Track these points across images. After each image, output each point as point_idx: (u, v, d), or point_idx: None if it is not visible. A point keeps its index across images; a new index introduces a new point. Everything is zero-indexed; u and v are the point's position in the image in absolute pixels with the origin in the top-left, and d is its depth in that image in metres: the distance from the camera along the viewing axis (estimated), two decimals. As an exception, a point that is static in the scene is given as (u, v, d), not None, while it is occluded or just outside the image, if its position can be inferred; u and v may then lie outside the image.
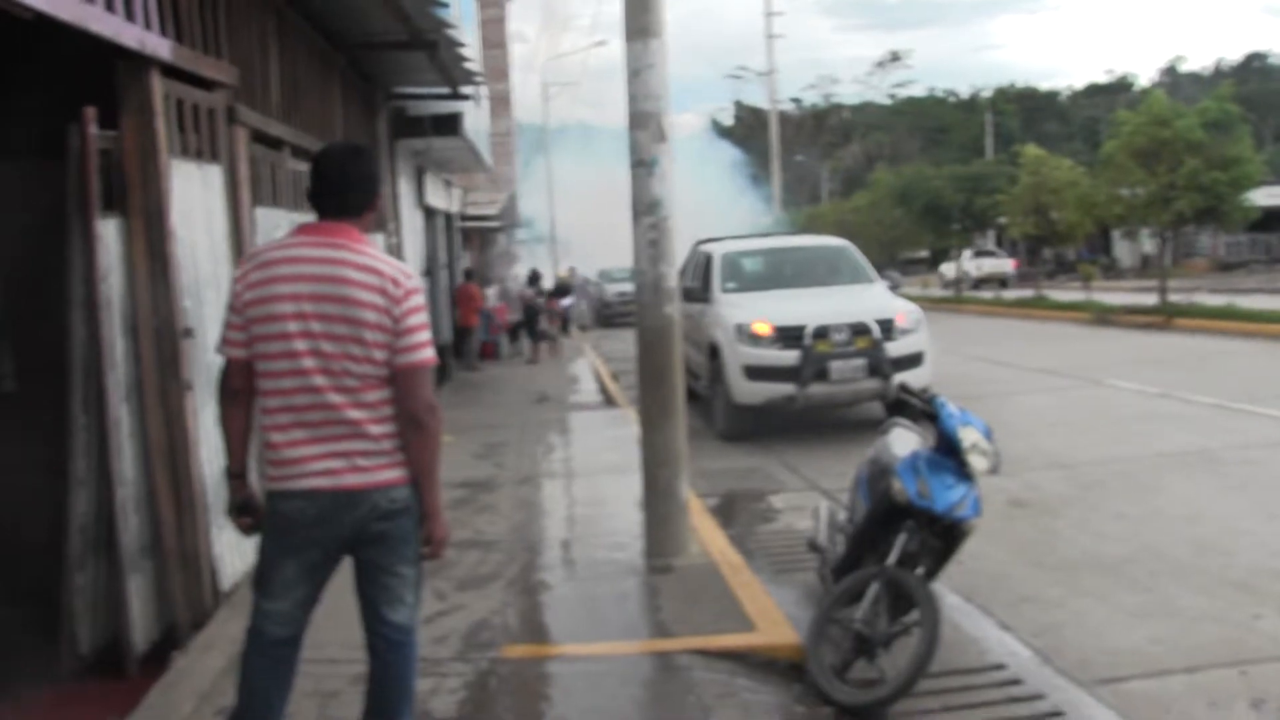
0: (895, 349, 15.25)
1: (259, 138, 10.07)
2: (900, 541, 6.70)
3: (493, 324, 32.07)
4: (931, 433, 6.97)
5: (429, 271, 23.55)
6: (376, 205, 4.99)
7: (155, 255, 7.40)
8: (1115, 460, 12.67)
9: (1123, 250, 62.61)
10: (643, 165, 8.76)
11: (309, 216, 4.96)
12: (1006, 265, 60.83)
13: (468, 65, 16.37)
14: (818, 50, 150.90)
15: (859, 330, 15.23)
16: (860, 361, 15.10)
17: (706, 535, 9.83)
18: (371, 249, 4.80)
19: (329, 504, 4.70)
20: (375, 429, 4.71)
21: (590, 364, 28.58)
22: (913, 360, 15.40)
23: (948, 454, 6.77)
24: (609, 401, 20.45)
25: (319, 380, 4.65)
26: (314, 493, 4.69)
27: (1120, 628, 7.59)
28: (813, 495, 11.86)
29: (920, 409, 7.02)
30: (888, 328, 15.36)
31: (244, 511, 5.01)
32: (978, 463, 6.67)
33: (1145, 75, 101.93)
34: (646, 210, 8.79)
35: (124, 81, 7.22)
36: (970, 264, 55.96)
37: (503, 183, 43.33)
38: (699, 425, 16.04)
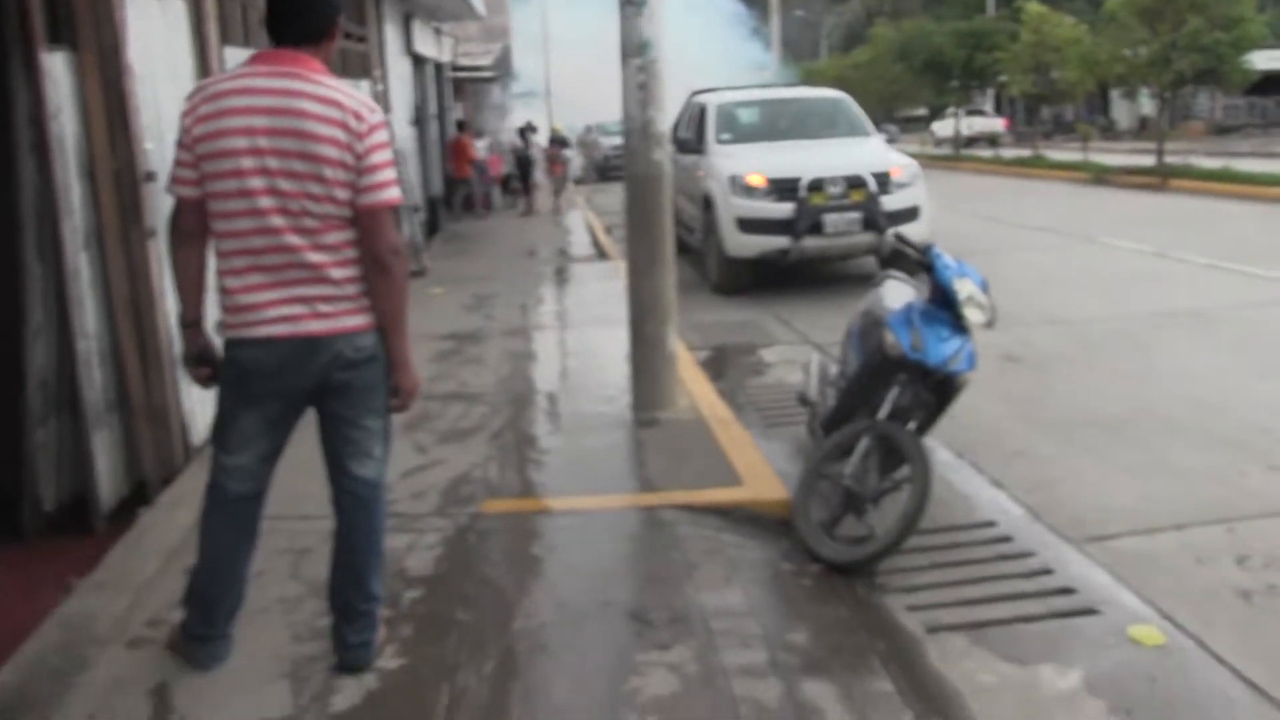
0: (891, 203, 14.97)
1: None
2: (892, 395, 6.48)
3: (485, 175, 31.64)
4: (926, 285, 6.72)
5: (418, 121, 23.13)
6: (337, 31, 4.69)
7: (111, 92, 7.06)
8: (1111, 318, 12.47)
9: (1121, 111, 61.93)
10: (631, 3, 8.40)
11: None
12: (996, 124, 60.53)
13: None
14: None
15: (854, 183, 14.94)
16: (855, 215, 14.83)
17: (695, 388, 9.64)
18: (333, 80, 4.50)
19: (289, 352, 4.46)
20: (337, 272, 4.46)
21: (583, 217, 28.24)
22: (908, 214, 15.11)
23: (943, 306, 6.52)
24: (601, 254, 20.25)
25: (276, 220, 4.39)
26: (273, 340, 4.45)
27: (1112, 485, 7.43)
28: (805, 349, 11.65)
29: (916, 260, 6.75)
30: (883, 181, 15.06)
31: (200, 362, 4.76)
32: (973, 315, 6.43)
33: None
34: (635, 51, 8.45)
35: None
36: (960, 123, 55.44)
37: (497, 33, 42.53)
38: (691, 278, 15.84)
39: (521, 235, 24.42)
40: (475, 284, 16.85)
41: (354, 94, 4.51)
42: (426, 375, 10.64)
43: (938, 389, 6.54)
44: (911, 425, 6.46)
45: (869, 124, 17.54)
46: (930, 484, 6.09)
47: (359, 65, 16.55)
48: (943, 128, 58.59)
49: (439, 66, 28.55)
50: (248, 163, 4.36)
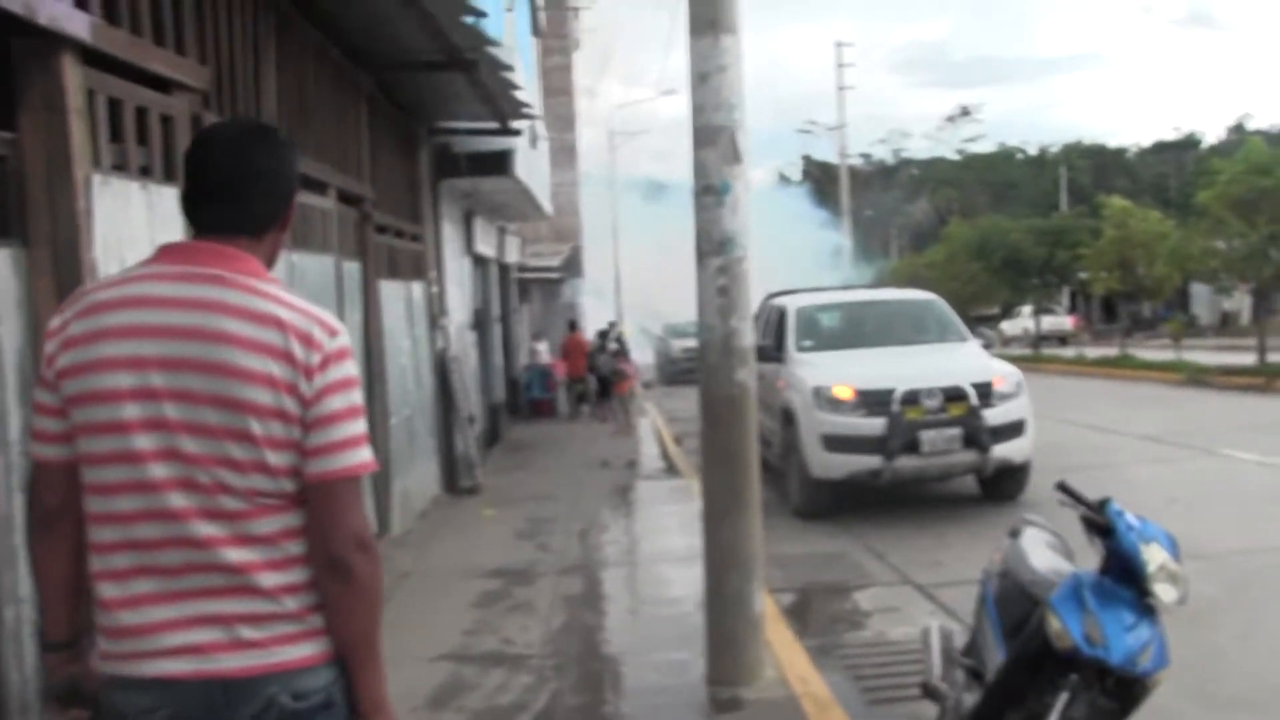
0: (993, 416, 13.36)
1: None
2: (1061, 704, 4.79)
3: (549, 380, 30.40)
4: (1098, 547, 5.07)
5: (478, 324, 21.82)
6: (288, 218, 3.20)
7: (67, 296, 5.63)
8: (1261, 550, 10.75)
9: (1201, 306, 60.50)
10: (710, 192, 6.98)
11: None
12: (1065, 322, 59.40)
13: (517, 94, 14.70)
14: (886, 107, 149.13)
15: (953, 395, 13.34)
16: (955, 431, 13.21)
17: (782, 650, 8.01)
18: (273, 287, 2.99)
19: (193, 701, 2.87)
20: (271, 579, 2.89)
21: (651, 424, 26.68)
22: (1013, 429, 13.52)
23: (1121, 580, 4.88)
24: (671, 469, 18.66)
25: (176, 500, 2.85)
26: (169, 682, 2.86)
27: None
28: (905, 591, 10.25)
29: (1087, 519, 5.10)
30: (985, 392, 13.47)
31: (72, 700, 3.15)
32: (1165, 593, 4.79)
33: (1212, 133, 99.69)
34: (715, 249, 7.00)
35: (22, 66, 5.48)
36: (1029, 321, 54.11)
37: (567, 234, 41.89)
38: (770, 500, 14.03)
39: (586, 445, 22.84)
40: (532, 505, 15.33)
41: (304, 308, 2.98)
42: (464, 626, 9.18)
43: (1120, 692, 4.86)
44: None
45: (963, 327, 16.01)
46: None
47: (412, 266, 15.28)
48: (1011, 326, 57.32)
49: (504, 267, 27.42)
50: (132, 411, 2.85)
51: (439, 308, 16.67)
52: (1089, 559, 5.31)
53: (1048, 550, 5.79)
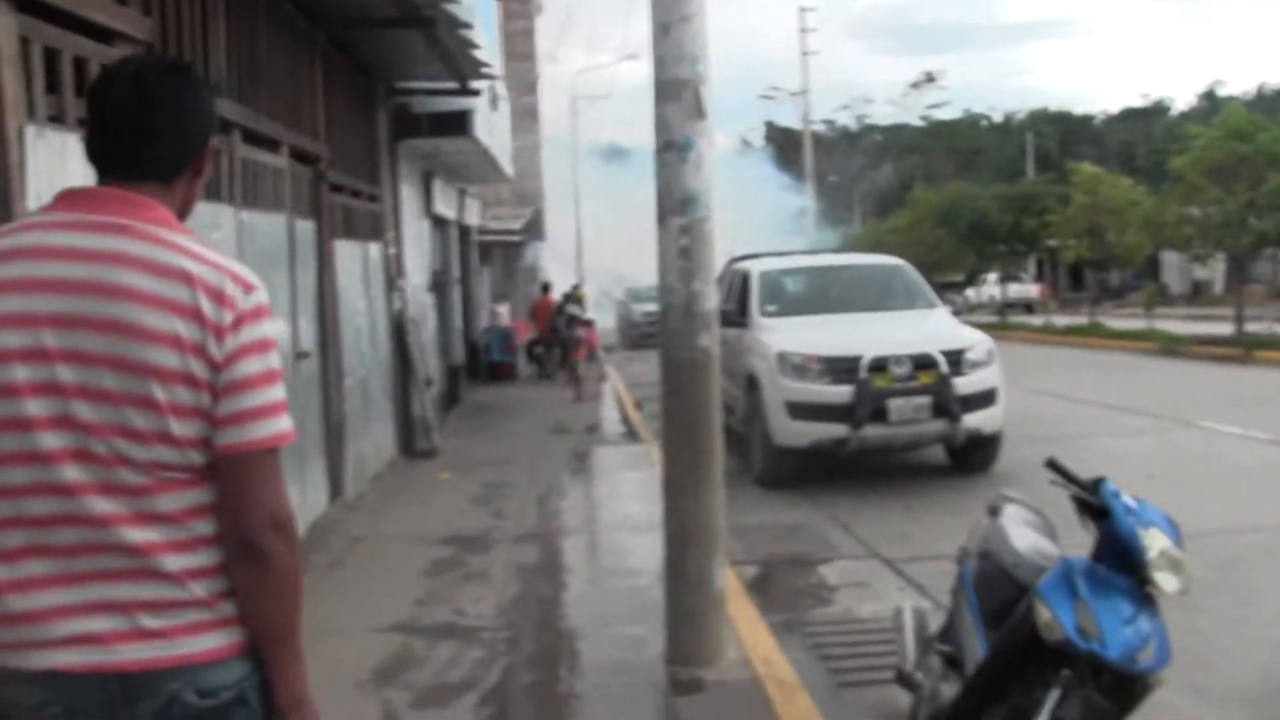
0: (964, 385, 13.04)
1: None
2: (1051, 702, 4.42)
3: (509, 342, 30.02)
4: (1091, 530, 4.73)
5: (437, 286, 21.43)
6: (203, 163, 2.87)
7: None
8: (1246, 528, 10.43)
9: (1172, 275, 60.34)
10: (672, 148, 6.64)
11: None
12: (1031, 290, 59.21)
13: (476, 54, 14.33)
14: (849, 73, 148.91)
15: (922, 363, 13.03)
16: (924, 399, 12.90)
17: (745, 628, 7.69)
18: (183, 238, 2.67)
19: (87, 697, 2.55)
20: (176, 561, 2.56)
21: (612, 389, 26.34)
22: (985, 399, 13.23)
23: (1118, 567, 4.54)
24: (631, 434, 18.35)
25: (70, 473, 2.53)
26: (60, 675, 2.53)
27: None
28: (873, 565, 9.97)
29: (1080, 499, 4.76)
30: (956, 360, 13.16)
31: None
32: (1166, 583, 4.44)
33: (1182, 99, 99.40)
34: (677, 208, 6.66)
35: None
36: (995, 289, 53.83)
37: (529, 197, 41.53)
38: (732, 468, 13.73)
39: (546, 409, 22.41)
40: (489, 469, 14.99)
41: (216, 261, 2.65)
42: (415, 596, 8.88)
43: (1117, 690, 4.50)
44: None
45: (932, 294, 15.67)
46: None
47: (369, 227, 14.90)
48: (976, 294, 57.09)
49: (464, 229, 27.01)
50: (22, 373, 2.53)
51: (396, 269, 16.31)
52: (1073, 537, 5.02)
53: (1030, 530, 5.45)
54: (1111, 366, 26.85)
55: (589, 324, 29.34)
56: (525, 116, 41.43)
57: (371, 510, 12.40)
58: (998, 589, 5.12)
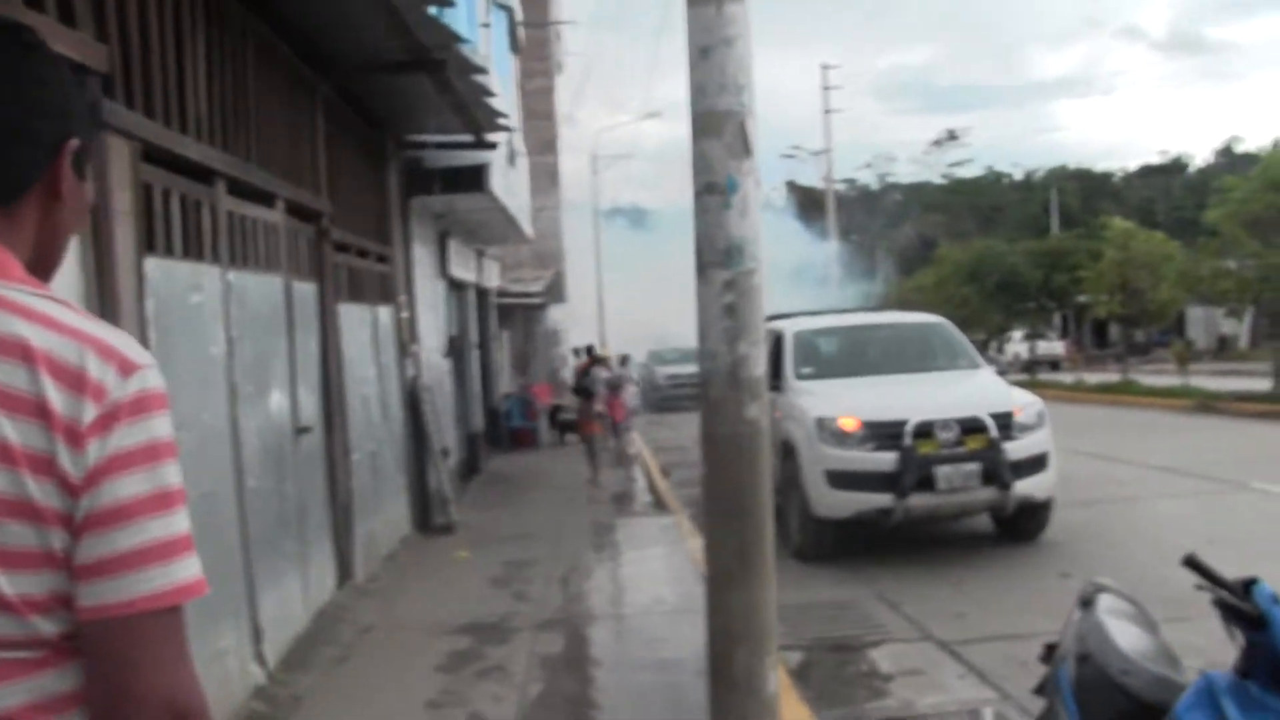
0: (1015, 450, 12.19)
1: (159, 158, 7.17)
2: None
3: (531, 408, 29.13)
4: (1238, 639, 3.83)
5: (454, 351, 20.60)
6: (59, 178, 1.93)
7: None
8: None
9: (1197, 330, 59.44)
10: (714, 191, 5.82)
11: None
12: (1057, 348, 58.07)
13: (491, 102, 13.56)
14: (870, 132, 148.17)
15: (970, 427, 12.17)
16: (973, 466, 12.03)
17: (797, 729, 6.81)
18: (26, 293, 1.78)
19: None
20: None
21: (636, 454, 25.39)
22: (1036, 464, 12.38)
23: (1271, 685, 3.65)
24: (659, 504, 17.40)
25: None
26: None
27: None
28: (927, 649, 9.09)
29: (1230, 605, 3.86)
30: (1005, 424, 12.30)
31: None
32: None
33: (1200, 156, 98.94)
34: (720, 260, 5.84)
35: None
36: (1020, 346, 52.90)
37: (549, 259, 40.74)
38: (769, 542, 13.00)
39: (568, 477, 21.44)
40: (509, 545, 14.10)
41: (79, 326, 1.76)
42: (428, 696, 8.02)
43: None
44: None
45: (975, 353, 14.81)
46: None
47: (379, 289, 14.11)
48: (997, 353, 56.31)
49: (483, 291, 26.22)
50: None
51: (409, 334, 15.49)
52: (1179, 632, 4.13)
53: (1132, 625, 4.60)
54: (1148, 425, 25.92)
55: (613, 388, 25.05)
56: (545, 176, 40.72)
57: (383, 594, 11.54)
58: (1105, 700, 4.27)
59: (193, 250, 7.76)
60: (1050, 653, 4.68)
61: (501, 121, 15.06)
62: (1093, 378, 39.96)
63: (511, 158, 20.49)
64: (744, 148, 5.81)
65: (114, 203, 6.27)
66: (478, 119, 14.19)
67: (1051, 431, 12.82)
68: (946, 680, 8.19)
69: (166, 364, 6.98)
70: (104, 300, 6.13)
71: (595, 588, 11.86)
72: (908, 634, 9.60)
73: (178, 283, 7.31)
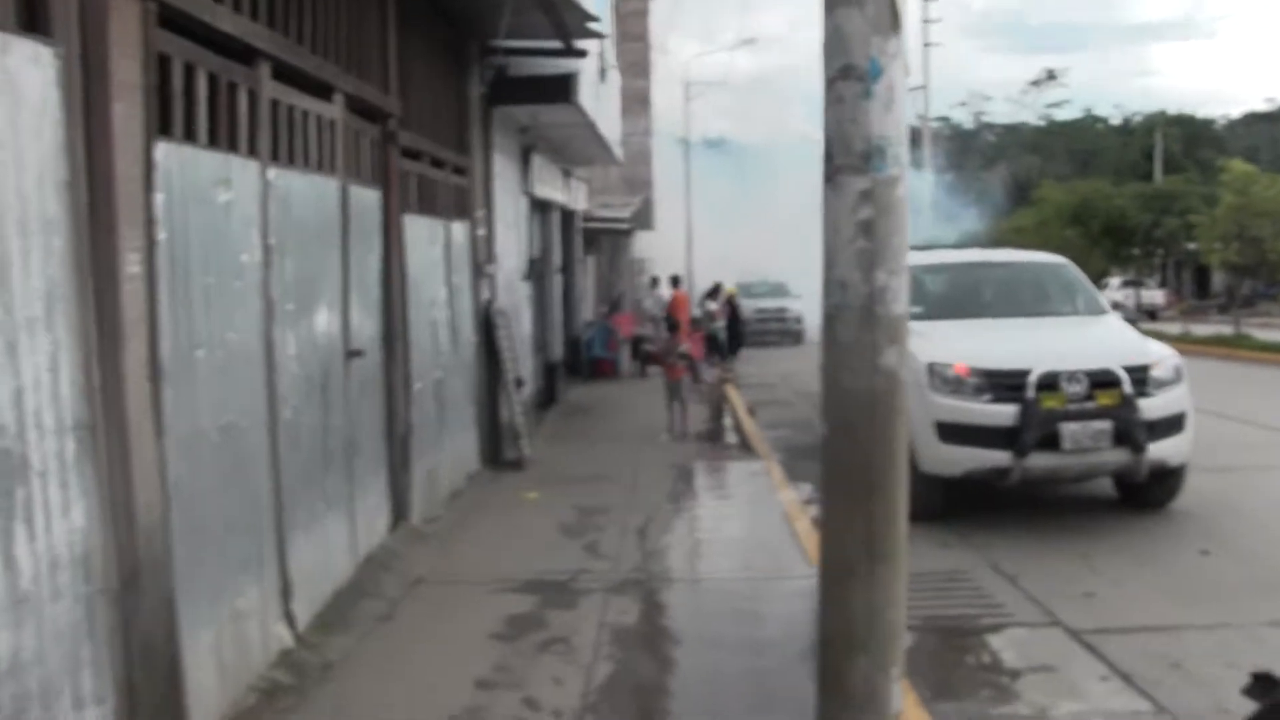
0: (1150, 408, 10.82)
1: (183, 26, 6.01)
2: None
3: (612, 338, 28.01)
4: None
5: (535, 274, 19.43)
6: None
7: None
8: None
9: (1305, 284, 57.16)
10: (852, 76, 4.55)
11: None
12: (1156, 296, 55.87)
13: (581, 2, 12.29)
14: (961, 73, 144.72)
15: (1102, 380, 10.80)
16: (1104, 424, 10.67)
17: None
18: None
19: None
20: None
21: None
22: (1173, 424, 11.02)
23: None
24: (744, 446, 16.17)
25: None
26: None
27: None
28: (1056, 637, 7.83)
29: None
30: (1141, 378, 10.93)
31: None
32: None
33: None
34: (856, 163, 4.58)
35: None
36: (1117, 294, 50.87)
37: (639, 185, 39.60)
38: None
39: (648, 412, 20.03)
40: (583, 488, 13.01)
41: None
42: (477, 673, 6.90)
43: None
44: None
45: (1102, 298, 13.41)
46: None
47: (454, 202, 12.93)
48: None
49: (568, 214, 25.01)
50: None
51: (485, 253, 14.33)
52: None
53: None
54: (1268, 383, 24.24)
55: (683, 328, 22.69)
56: (636, 101, 39.50)
57: (441, 540, 10.45)
58: None
59: (223, 140, 6.60)
60: (1261, 686, 3.59)
61: (592, 26, 13.77)
62: (1200, 329, 38.01)
63: (603, 72, 19.26)
64: (892, 21, 4.53)
65: (114, 70, 5.11)
66: (566, 22, 12.93)
67: (1189, 389, 11.43)
68: (1085, 682, 6.95)
69: (179, 271, 5.85)
70: (94, 187, 5.00)
71: (675, 543, 10.65)
72: (1031, 617, 8.34)
73: (200, 176, 6.16)
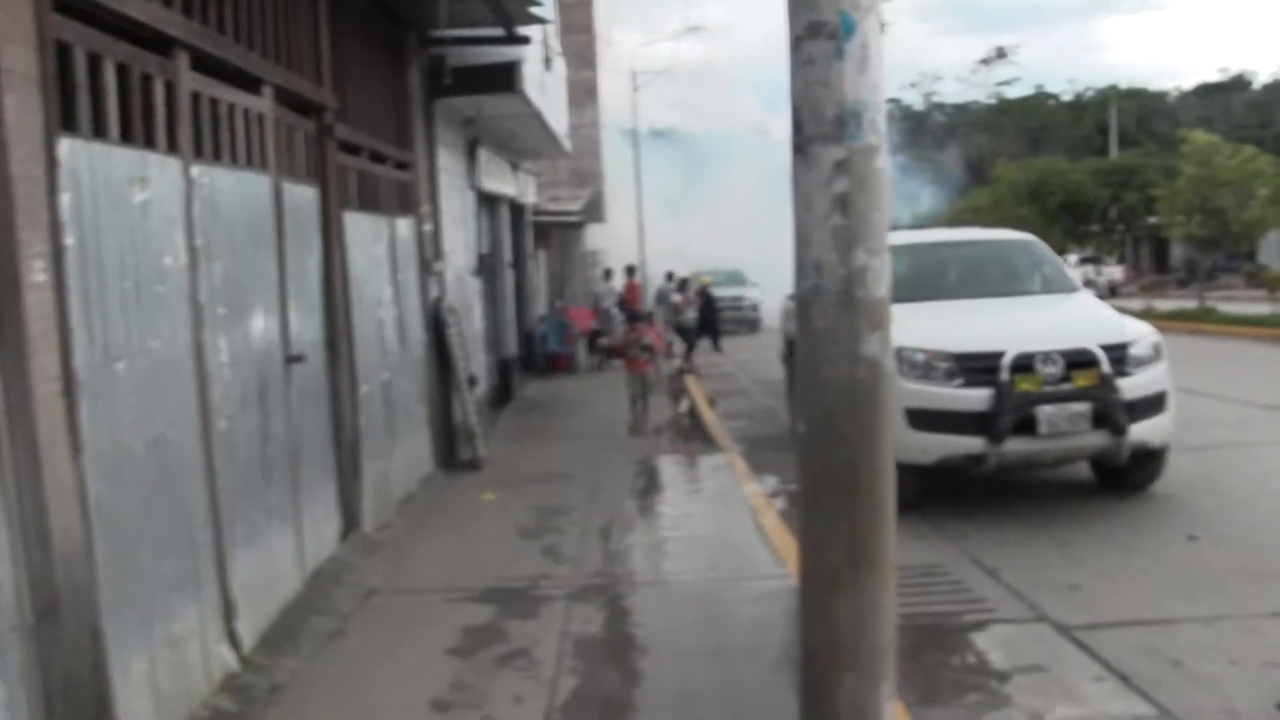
0: (1130, 388, 10.44)
1: (84, 11, 5.53)
2: None
3: (568, 332, 27.59)
4: None
5: (485, 270, 18.94)
6: None
7: None
8: None
9: (1271, 255, 56.81)
10: (822, 34, 4.10)
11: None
12: (1114, 272, 55.70)
13: (523, -13, 11.85)
14: (911, 55, 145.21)
15: (1078, 360, 10.41)
16: (1083, 407, 10.28)
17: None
18: None
19: None
20: None
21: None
22: (1154, 404, 10.64)
23: None
24: (706, 440, 15.73)
25: None
26: None
27: None
28: (1044, 634, 7.43)
29: None
30: (1119, 357, 10.54)
31: None
32: None
33: (1266, 71, 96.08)
34: (829, 131, 4.13)
35: None
36: (1076, 271, 50.65)
37: (588, 178, 39.20)
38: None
39: (606, 406, 19.74)
40: (541, 487, 12.57)
41: None
42: (433, 692, 6.48)
43: None
44: None
45: (1073, 275, 13.05)
46: None
47: (397, 198, 12.45)
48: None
49: (518, 208, 24.51)
50: None
51: (433, 249, 13.85)
52: None
53: None
54: (1238, 357, 23.93)
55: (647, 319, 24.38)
56: (583, 93, 39.05)
57: (395, 548, 9.99)
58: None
59: (138, 136, 6.12)
60: None
61: (535, 10, 13.28)
62: (1162, 304, 37.70)
63: (548, 61, 18.75)
64: (865, -24, 4.10)
65: (2, 59, 4.63)
66: (507, 7, 12.44)
67: (1169, 367, 11.05)
68: (1079, 683, 6.55)
69: (93, 277, 5.39)
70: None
71: (639, 544, 10.18)
72: (1016, 612, 7.93)
73: (113, 175, 5.68)
